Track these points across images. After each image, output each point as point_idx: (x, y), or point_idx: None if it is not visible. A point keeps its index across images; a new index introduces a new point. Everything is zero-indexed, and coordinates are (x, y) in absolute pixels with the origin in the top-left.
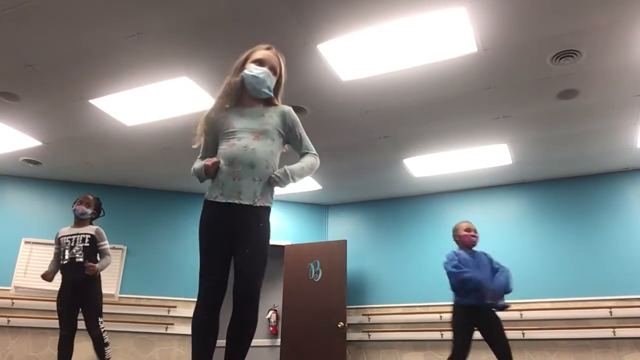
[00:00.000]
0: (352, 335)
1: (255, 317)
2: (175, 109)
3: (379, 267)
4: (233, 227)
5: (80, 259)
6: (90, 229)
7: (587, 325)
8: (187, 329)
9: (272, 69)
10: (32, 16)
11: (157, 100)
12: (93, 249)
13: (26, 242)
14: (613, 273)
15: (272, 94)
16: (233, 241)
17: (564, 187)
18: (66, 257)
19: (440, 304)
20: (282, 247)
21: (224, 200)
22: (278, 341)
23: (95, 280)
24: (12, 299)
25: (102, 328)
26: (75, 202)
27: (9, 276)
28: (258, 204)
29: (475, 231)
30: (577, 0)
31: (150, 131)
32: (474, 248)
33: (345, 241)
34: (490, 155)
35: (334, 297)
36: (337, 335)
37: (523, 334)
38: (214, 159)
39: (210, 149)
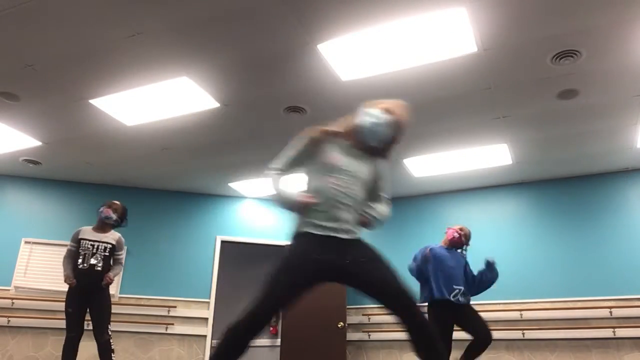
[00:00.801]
0: (352, 335)
1: None
2: (175, 109)
3: None
4: (336, 259)
5: (99, 268)
6: (112, 238)
7: (587, 325)
8: (187, 329)
9: (396, 123)
10: (32, 16)
11: (157, 100)
12: (110, 257)
13: (26, 242)
14: (613, 273)
15: (379, 145)
16: (340, 273)
17: (564, 187)
18: (86, 263)
19: None
20: (282, 247)
21: (323, 233)
22: (278, 341)
23: (107, 287)
24: (12, 299)
25: (110, 334)
26: (103, 205)
27: (9, 276)
28: (356, 237)
29: (466, 235)
30: (577, 0)
31: (150, 131)
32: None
33: None
34: (490, 155)
35: (334, 297)
36: (337, 335)
37: (523, 334)
38: (311, 199)
39: (297, 162)
